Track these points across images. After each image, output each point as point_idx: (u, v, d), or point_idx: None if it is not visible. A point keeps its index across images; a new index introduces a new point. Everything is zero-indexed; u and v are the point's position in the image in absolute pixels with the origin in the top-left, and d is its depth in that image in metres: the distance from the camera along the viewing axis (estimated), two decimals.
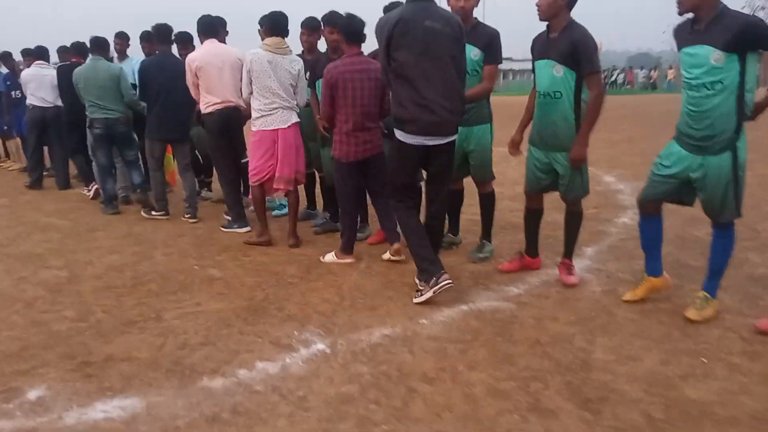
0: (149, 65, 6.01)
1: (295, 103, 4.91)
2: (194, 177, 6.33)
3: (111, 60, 6.76)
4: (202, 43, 5.43)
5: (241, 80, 4.96)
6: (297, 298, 3.90)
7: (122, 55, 7.29)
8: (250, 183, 5.09)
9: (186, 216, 6.04)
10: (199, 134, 6.13)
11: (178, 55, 6.18)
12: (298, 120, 4.94)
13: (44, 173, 8.53)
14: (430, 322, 3.46)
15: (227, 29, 6.09)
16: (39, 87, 7.85)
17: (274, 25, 4.80)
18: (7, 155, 11.25)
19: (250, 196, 5.54)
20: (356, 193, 4.59)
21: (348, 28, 4.24)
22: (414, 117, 3.55)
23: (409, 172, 3.87)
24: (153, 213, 6.21)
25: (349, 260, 4.57)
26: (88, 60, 6.40)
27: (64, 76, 7.09)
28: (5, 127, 10.33)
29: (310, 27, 5.20)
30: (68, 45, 7.75)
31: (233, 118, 5.33)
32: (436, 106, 3.54)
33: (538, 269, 4.29)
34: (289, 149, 4.86)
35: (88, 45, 6.50)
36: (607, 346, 3.13)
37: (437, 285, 3.60)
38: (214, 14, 5.64)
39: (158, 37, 6.06)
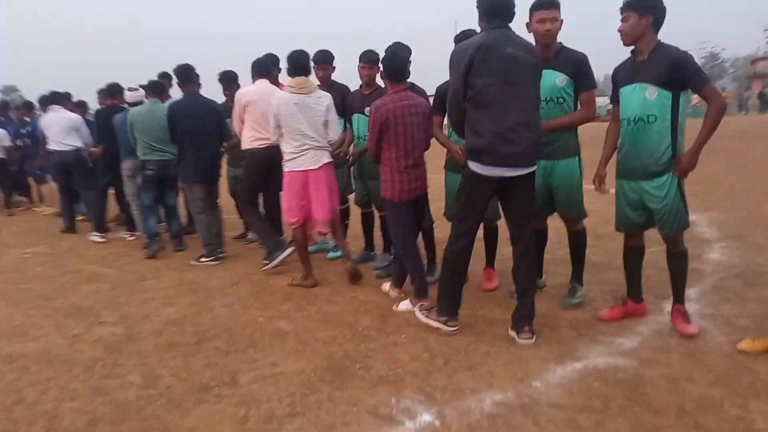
0: (179, 107, 5.91)
1: (327, 141, 4.80)
2: (221, 214, 6.26)
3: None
4: (253, 82, 5.45)
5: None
6: (381, 355, 3.49)
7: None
8: (288, 224, 4.97)
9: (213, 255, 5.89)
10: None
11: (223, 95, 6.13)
12: (330, 160, 4.84)
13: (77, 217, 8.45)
14: (544, 385, 3.03)
15: (279, 66, 5.88)
16: (57, 131, 7.86)
17: (296, 65, 4.74)
18: (41, 199, 11.13)
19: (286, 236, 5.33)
20: (414, 234, 4.38)
21: (391, 67, 4.12)
22: (493, 147, 3.34)
23: (481, 208, 3.57)
24: (202, 260, 5.93)
25: (426, 303, 4.11)
26: (145, 102, 6.43)
27: (102, 119, 7.28)
28: (38, 172, 10.27)
29: (371, 60, 4.99)
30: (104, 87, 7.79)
31: (275, 157, 5.16)
32: (517, 136, 3.34)
33: (644, 316, 3.85)
34: (321, 190, 4.74)
35: (146, 88, 6.53)
36: (765, 412, 2.68)
37: (447, 327, 3.68)
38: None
39: (180, 78, 6.00)
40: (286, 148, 4.76)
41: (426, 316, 3.78)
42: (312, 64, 5.14)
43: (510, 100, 3.33)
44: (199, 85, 6.14)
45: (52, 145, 7.96)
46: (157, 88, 6.49)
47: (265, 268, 5.43)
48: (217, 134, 5.96)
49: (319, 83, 5.24)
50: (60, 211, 8.66)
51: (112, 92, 7.47)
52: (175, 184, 6.57)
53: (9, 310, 4.70)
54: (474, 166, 3.43)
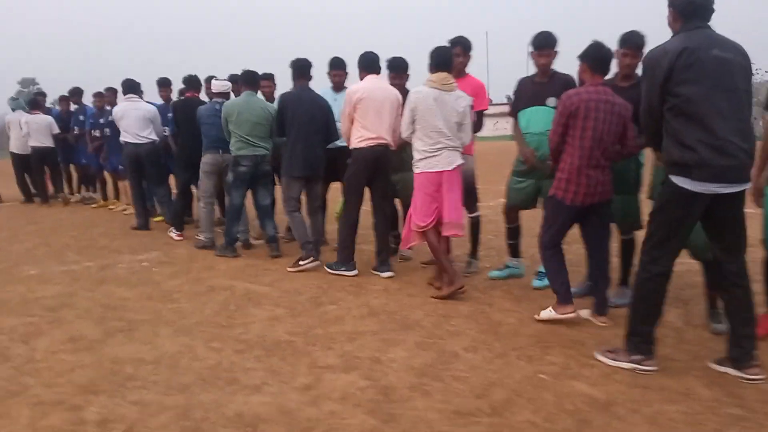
0: (291, 97, 5.59)
1: (460, 142, 4.61)
2: (323, 220, 6.01)
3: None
4: (361, 78, 5.20)
5: (396, 119, 4.95)
6: None
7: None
8: (414, 229, 4.66)
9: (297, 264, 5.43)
10: (405, 180, 5.27)
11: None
12: (463, 161, 4.65)
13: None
14: None
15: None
16: (132, 122, 7.55)
17: (440, 59, 4.56)
18: (117, 196, 10.15)
19: None
20: (602, 245, 4.04)
21: (595, 56, 3.82)
22: (705, 160, 2.92)
23: (687, 230, 3.12)
24: (301, 263, 5.44)
25: (569, 313, 3.90)
26: (242, 95, 6.02)
27: (181, 111, 6.89)
28: (120, 167, 9.34)
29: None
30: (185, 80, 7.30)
31: (382, 157, 5.09)
32: (732, 148, 2.94)
33: None
34: (455, 192, 4.56)
35: (240, 79, 6.22)
36: None
37: (643, 367, 3.16)
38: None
39: (294, 71, 5.65)
40: (419, 146, 4.55)
41: (614, 360, 3.26)
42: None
43: (722, 108, 2.94)
44: (310, 79, 5.73)
45: (126, 137, 7.56)
46: (251, 79, 6.06)
47: (328, 269, 5.30)
48: (324, 131, 5.54)
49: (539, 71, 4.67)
50: (133, 207, 8.03)
51: (192, 84, 7.07)
52: (269, 182, 6.19)
53: (185, 341, 3.70)
54: (681, 182, 3.00)
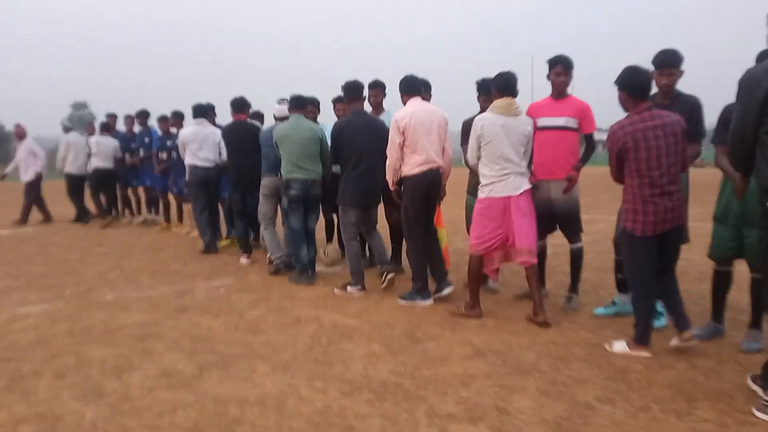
0: (343, 126, 5.49)
1: (526, 166, 4.56)
2: (381, 238, 5.82)
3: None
4: (404, 102, 5.10)
5: (446, 141, 5.04)
6: None
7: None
8: (470, 252, 4.62)
9: (386, 279, 5.43)
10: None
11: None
12: (530, 186, 4.53)
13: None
14: None
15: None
16: (201, 146, 7.64)
17: (504, 85, 4.51)
18: (180, 219, 10.10)
19: None
20: (652, 273, 3.77)
21: (634, 83, 3.71)
22: None
23: None
24: (349, 288, 5.41)
25: (644, 353, 3.76)
26: (290, 118, 5.97)
27: (230, 134, 6.91)
28: (184, 190, 9.30)
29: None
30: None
31: (435, 180, 5.03)
32: None
33: None
34: (524, 218, 4.45)
35: (288, 104, 6.14)
36: None
37: None
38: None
39: (347, 94, 5.57)
40: (486, 172, 4.50)
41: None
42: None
43: None
44: (364, 101, 5.67)
45: (194, 161, 7.64)
46: (300, 103, 6.02)
47: (400, 301, 5.13)
48: (382, 156, 5.21)
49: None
50: (199, 231, 7.98)
51: (240, 107, 6.98)
52: (318, 207, 6.11)
53: (285, 379, 3.43)
54: None
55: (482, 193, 4.54)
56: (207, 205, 7.80)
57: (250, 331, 4.35)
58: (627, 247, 3.86)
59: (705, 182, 7.64)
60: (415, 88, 5.12)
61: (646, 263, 3.75)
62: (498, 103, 4.48)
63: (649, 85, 3.78)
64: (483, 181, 4.54)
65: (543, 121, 4.88)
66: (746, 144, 3.00)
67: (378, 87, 5.90)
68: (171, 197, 10.00)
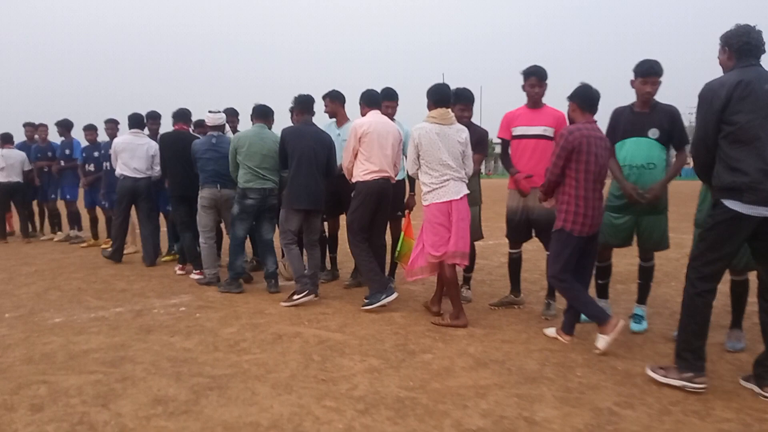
0: (292, 130, 5.53)
1: (464, 172, 4.70)
2: (320, 254, 5.87)
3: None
4: (363, 114, 5.34)
5: (398, 154, 5.26)
6: None
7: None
8: (429, 260, 4.69)
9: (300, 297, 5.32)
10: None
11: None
12: (468, 191, 4.70)
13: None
14: None
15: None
16: (133, 156, 7.41)
17: (439, 96, 4.69)
18: (108, 235, 9.40)
19: None
20: (585, 273, 4.28)
21: (585, 97, 4.14)
22: (758, 184, 3.11)
23: (734, 250, 3.24)
24: (295, 297, 5.33)
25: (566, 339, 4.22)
26: (253, 126, 5.93)
27: (171, 144, 6.71)
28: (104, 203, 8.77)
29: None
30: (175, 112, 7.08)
31: (386, 190, 5.20)
32: None
33: None
34: (462, 221, 4.60)
35: (252, 112, 6.07)
36: None
37: (693, 385, 3.26)
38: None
39: (298, 106, 5.67)
40: (426, 180, 4.64)
41: (664, 376, 3.37)
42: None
43: None
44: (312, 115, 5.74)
45: (125, 171, 7.41)
46: (263, 112, 6.02)
47: (365, 307, 5.12)
48: (327, 164, 5.52)
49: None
50: (112, 237, 7.83)
51: (182, 117, 6.95)
52: (275, 216, 5.99)
53: (292, 400, 3.19)
54: (733, 205, 3.17)
55: (426, 201, 4.67)
56: (128, 216, 7.68)
57: (233, 351, 4.04)
58: (560, 246, 4.11)
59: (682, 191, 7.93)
60: (375, 101, 5.37)
61: (572, 264, 4.11)
62: (433, 113, 4.66)
63: (597, 101, 4.15)
64: (425, 189, 4.67)
65: (519, 130, 4.94)
66: (710, 149, 3.29)
67: (337, 99, 6.06)
68: (99, 211, 9.32)
